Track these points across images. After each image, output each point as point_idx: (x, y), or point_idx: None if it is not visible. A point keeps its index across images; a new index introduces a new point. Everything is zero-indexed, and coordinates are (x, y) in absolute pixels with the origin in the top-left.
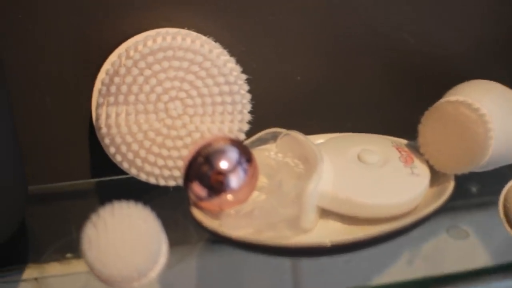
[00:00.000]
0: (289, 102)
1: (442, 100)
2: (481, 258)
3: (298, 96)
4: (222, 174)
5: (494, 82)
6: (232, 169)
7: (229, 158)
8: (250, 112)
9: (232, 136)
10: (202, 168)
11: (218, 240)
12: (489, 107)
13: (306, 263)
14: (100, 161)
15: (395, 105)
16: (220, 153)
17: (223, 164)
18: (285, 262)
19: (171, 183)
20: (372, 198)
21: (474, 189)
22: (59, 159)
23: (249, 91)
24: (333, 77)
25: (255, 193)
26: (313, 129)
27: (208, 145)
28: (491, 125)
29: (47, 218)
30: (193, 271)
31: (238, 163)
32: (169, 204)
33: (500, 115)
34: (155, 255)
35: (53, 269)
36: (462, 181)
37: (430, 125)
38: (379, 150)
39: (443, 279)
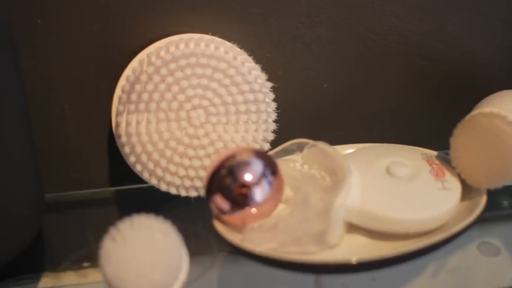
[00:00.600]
0: (315, 111)
1: (475, 112)
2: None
3: (324, 104)
4: (246, 187)
5: None
6: (256, 182)
7: (253, 171)
8: (275, 121)
9: (257, 146)
10: (225, 181)
11: (240, 254)
12: None
13: (330, 279)
14: (119, 169)
15: (424, 114)
16: (244, 165)
17: (247, 177)
18: (309, 278)
19: (193, 193)
20: (401, 213)
21: (506, 202)
22: (78, 166)
23: (274, 100)
24: (361, 85)
25: (280, 206)
26: (340, 139)
27: (231, 157)
28: None
29: (64, 227)
30: (214, 285)
31: (263, 175)
32: (190, 216)
33: None
34: (176, 271)
35: (69, 278)
36: (494, 193)
37: (463, 138)
38: (408, 162)
39: None
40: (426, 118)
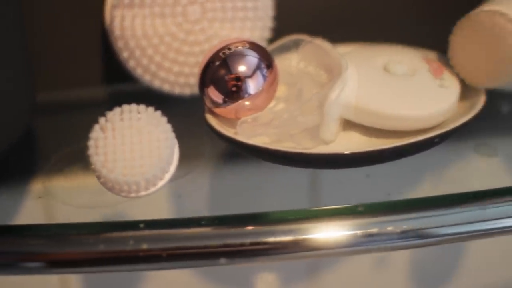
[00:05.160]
0: (315, 8)
1: (476, 10)
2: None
3: (324, 1)
4: (240, 79)
5: None
6: (250, 74)
7: (247, 62)
8: (273, 18)
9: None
10: (218, 72)
11: (232, 148)
12: None
13: (325, 178)
14: (112, 67)
15: (427, 15)
16: (238, 56)
17: (241, 68)
18: (304, 178)
19: (187, 91)
20: (398, 109)
21: (505, 108)
22: (69, 64)
23: None
24: None
25: (273, 102)
26: (340, 38)
27: (226, 48)
28: None
29: (55, 126)
30: (205, 183)
31: (257, 67)
32: (184, 114)
33: None
34: (165, 163)
35: (59, 181)
36: (495, 101)
37: (462, 36)
38: (407, 61)
39: (467, 196)
40: (428, 20)
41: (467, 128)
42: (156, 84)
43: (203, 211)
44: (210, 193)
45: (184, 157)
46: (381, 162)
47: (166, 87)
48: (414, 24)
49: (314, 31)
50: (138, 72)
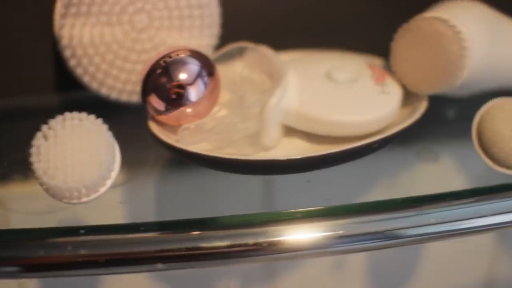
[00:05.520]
0: (262, 17)
1: (417, 17)
2: (452, 183)
3: (271, 10)
4: (181, 86)
5: (484, 5)
6: (191, 82)
7: (188, 70)
8: (221, 26)
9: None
10: (160, 80)
11: (174, 155)
12: (469, 26)
13: (279, 183)
14: (62, 74)
15: (374, 22)
16: (180, 64)
17: (182, 76)
18: (257, 188)
19: (134, 98)
20: (337, 115)
21: (451, 113)
22: (21, 71)
23: (220, 4)
24: None
25: (216, 109)
26: (286, 45)
27: (166, 56)
28: (468, 44)
29: (6, 135)
30: (148, 190)
31: (198, 75)
32: (130, 121)
33: (482, 36)
34: (106, 170)
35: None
36: (441, 106)
37: (403, 43)
38: (350, 67)
39: (408, 201)
40: (376, 26)
41: (409, 134)
42: (104, 91)
43: (149, 217)
44: (155, 199)
45: (128, 164)
46: (320, 168)
47: (114, 95)
48: (363, 30)
49: (262, 39)
50: (86, 79)
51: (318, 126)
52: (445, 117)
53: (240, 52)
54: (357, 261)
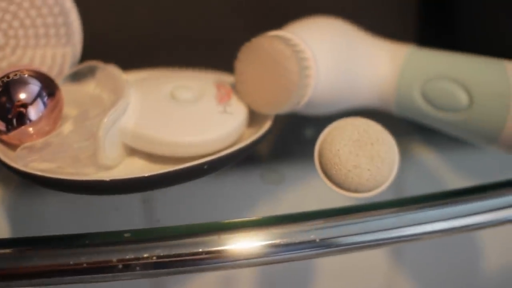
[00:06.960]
0: (129, 36)
1: (260, 35)
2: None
3: (138, 29)
4: (19, 105)
5: (346, 23)
6: (30, 101)
7: (27, 90)
8: (80, 44)
9: (40, 68)
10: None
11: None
12: (314, 44)
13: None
14: None
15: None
16: (18, 84)
17: (21, 96)
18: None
19: None
20: (174, 135)
21: (309, 133)
22: None
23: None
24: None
25: (60, 128)
26: (150, 64)
27: (4, 77)
28: (309, 63)
29: None
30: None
31: (38, 95)
32: None
33: (330, 55)
34: None
35: None
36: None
37: (246, 62)
38: (195, 86)
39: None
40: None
41: (255, 154)
42: None
43: None
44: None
45: None
46: (152, 188)
47: None
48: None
49: (128, 58)
50: None
51: (154, 146)
52: (302, 137)
53: (91, 71)
54: (246, 275)
